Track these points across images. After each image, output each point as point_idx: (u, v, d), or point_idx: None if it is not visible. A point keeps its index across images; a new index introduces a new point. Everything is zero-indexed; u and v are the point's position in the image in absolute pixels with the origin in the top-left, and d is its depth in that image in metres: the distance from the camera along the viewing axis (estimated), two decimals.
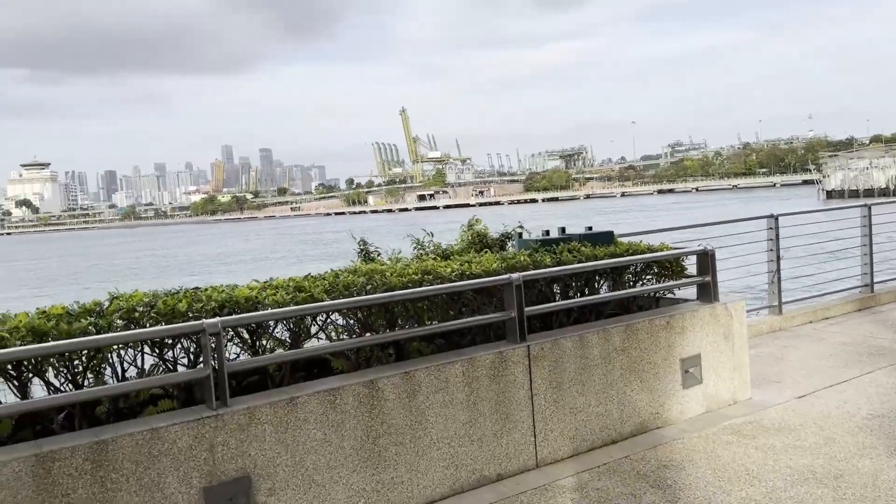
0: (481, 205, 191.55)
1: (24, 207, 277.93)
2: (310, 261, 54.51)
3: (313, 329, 4.80)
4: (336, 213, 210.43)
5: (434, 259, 6.54)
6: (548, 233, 6.31)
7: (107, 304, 4.27)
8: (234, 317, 4.15)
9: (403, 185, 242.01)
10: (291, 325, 4.56)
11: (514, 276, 5.05)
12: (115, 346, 3.94)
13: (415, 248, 7.55)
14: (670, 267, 6.22)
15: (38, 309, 4.23)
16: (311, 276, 5.11)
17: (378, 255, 7.58)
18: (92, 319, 3.92)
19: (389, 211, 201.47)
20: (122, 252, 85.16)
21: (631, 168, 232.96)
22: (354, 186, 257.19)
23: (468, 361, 4.76)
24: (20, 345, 3.60)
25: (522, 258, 5.42)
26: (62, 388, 3.94)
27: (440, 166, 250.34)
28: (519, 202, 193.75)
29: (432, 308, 5.01)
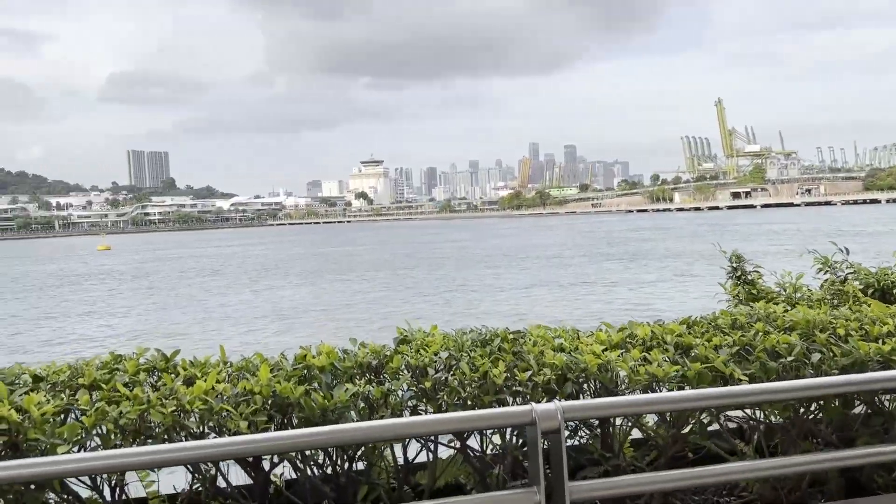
0: (808, 204, 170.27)
1: (361, 199, 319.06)
2: (604, 259, 52.10)
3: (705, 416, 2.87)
4: (638, 210, 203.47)
5: (871, 293, 4.15)
6: None
7: (389, 350, 2.84)
8: (582, 403, 2.39)
9: (715, 182, 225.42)
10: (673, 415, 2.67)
11: None
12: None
13: (821, 270, 5.14)
14: None
15: (300, 350, 2.96)
16: (698, 322, 3.17)
17: (759, 276, 5.33)
18: (360, 387, 2.47)
19: (697, 209, 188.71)
20: (437, 242, 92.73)
21: None
22: (659, 182, 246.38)
23: None
24: (249, 423, 2.28)
25: None
26: (316, 474, 2.59)
27: (759, 161, 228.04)
28: (855, 202, 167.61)
29: None
